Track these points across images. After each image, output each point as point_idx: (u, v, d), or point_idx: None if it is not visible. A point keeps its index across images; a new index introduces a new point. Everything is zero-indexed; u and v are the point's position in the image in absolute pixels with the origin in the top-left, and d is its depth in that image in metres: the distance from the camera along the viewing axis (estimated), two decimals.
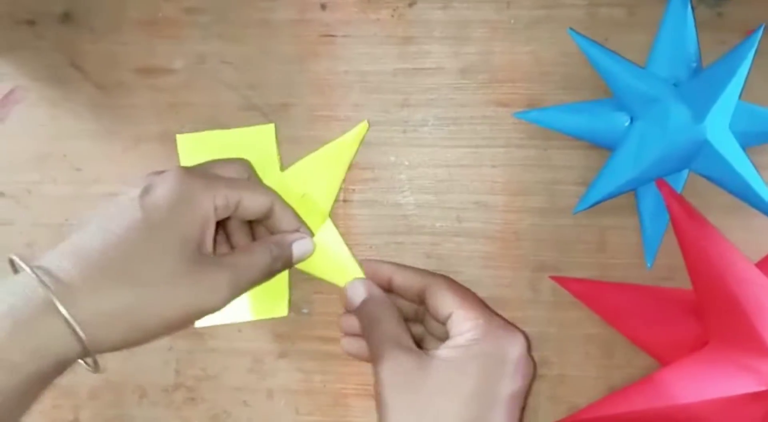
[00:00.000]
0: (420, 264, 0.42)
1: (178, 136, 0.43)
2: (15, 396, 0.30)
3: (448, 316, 0.36)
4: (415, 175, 0.43)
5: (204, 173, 0.36)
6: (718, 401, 0.35)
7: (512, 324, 0.38)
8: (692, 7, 0.39)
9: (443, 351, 0.35)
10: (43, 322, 0.30)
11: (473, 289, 0.42)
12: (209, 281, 0.34)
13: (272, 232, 0.39)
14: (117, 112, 0.45)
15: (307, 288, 0.43)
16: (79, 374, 0.43)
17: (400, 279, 0.39)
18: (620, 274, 0.41)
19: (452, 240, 0.42)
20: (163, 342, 0.43)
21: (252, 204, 0.37)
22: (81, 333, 0.30)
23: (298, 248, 0.39)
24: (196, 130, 0.43)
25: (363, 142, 0.43)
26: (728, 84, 0.37)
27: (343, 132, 0.43)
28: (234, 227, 0.40)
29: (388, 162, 0.43)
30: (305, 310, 0.43)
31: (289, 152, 0.43)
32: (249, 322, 0.43)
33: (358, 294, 0.39)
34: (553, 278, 0.41)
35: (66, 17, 0.45)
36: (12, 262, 0.32)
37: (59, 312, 0.30)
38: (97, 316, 0.31)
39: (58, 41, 0.45)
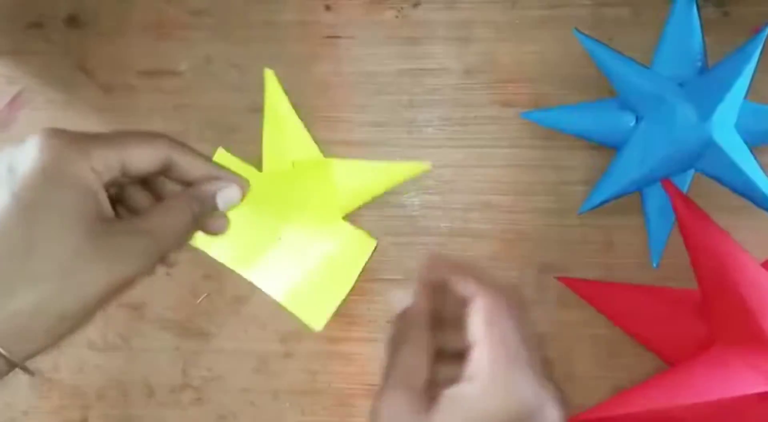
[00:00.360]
0: None
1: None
2: None
3: (469, 348, 0.30)
4: (420, 175, 0.43)
5: (71, 134, 0.30)
6: (726, 401, 0.35)
7: (559, 389, 0.32)
8: (698, 7, 0.39)
9: (444, 399, 0.30)
10: None
11: None
12: (122, 249, 0.30)
13: (181, 183, 0.34)
14: (123, 114, 0.45)
15: None
16: (87, 374, 0.44)
17: (452, 285, 0.33)
18: (626, 275, 0.41)
19: (458, 240, 0.42)
20: (170, 342, 0.44)
21: (138, 158, 0.31)
22: (3, 351, 0.27)
23: (222, 198, 0.33)
24: (202, 132, 0.44)
25: (368, 144, 0.43)
26: (734, 83, 0.36)
27: (348, 132, 0.43)
28: (129, 191, 0.34)
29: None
30: None
31: None
32: (255, 323, 0.43)
33: (399, 305, 0.34)
34: (559, 279, 0.41)
35: (72, 20, 0.45)
36: None
37: None
38: (8, 326, 0.27)
39: (65, 44, 0.45)
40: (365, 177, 0.42)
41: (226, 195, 0.34)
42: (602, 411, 0.37)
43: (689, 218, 0.37)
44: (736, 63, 0.37)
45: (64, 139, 0.30)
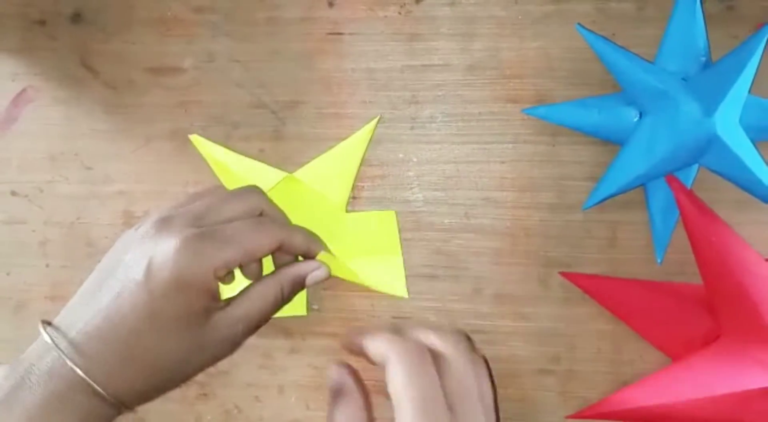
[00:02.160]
0: (429, 261, 0.42)
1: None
2: None
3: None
4: (424, 171, 0.43)
5: (206, 241, 0.34)
6: (731, 396, 0.35)
7: None
8: (702, 1, 0.39)
9: None
10: (88, 399, 0.32)
11: (482, 285, 0.42)
12: (224, 340, 0.35)
13: (282, 254, 0.38)
14: (127, 111, 0.45)
15: (317, 286, 0.43)
16: None
17: (366, 352, 0.34)
18: (630, 270, 0.41)
19: (461, 236, 0.42)
20: None
21: (255, 256, 0.36)
22: (123, 409, 0.33)
23: (311, 280, 0.38)
24: (206, 128, 0.44)
25: (372, 140, 0.43)
26: (738, 78, 0.36)
27: (352, 129, 0.43)
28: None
29: (396, 159, 0.43)
30: (315, 307, 0.43)
31: (297, 150, 0.43)
32: None
33: (331, 383, 0.35)
34: (563, 274, 0.41)
35: (77, 17, 0.46)
36: (44, 327, 0.34)
37: (99, 392, 0.32)
38: (128, 395, 0.34)
39: (69, 41, 0.46)
40: (334, 166, 0.42)
41: (315, 275, 0.38)
42: (606, 407, 0.37)
43: (693, 213, 0.37)
44: (740, 58, 0.37)
45: (203, 251, 0.34)
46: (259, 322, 0.36)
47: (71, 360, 0.32)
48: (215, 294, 0.35)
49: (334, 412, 0.33)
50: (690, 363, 0.37)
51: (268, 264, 0.38)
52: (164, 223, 0.35)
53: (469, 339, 0.34)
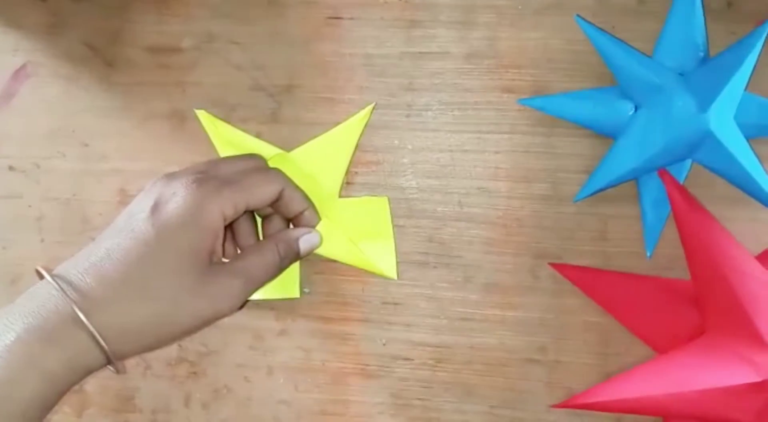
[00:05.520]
0: (421, 248, 0.43)
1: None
2: (51, 406, 0.32)
3: None
4: (418, 159, 0.43)
5: (211, 181, 0.36)
6: (713, 391, 0.35)
7: None
8: None
9: None
10: (73, 336, 0.32)
11: (473, 274, 0.42)
12: (222, 290, 0.35)
13: (280, 213, 0.40)
14: (126, 90, 0.45)
15: (308, 268, 0.43)
16: None
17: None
18: (621, 263, 0.41)
19: (454, 224, 0.43)
20: None
21: (260, 199, 0.37)
22: (105, 346, 0.32)
23: (304, 243, 0.40)
24: (204, 108, 0.44)
25: (367, 126, 0.43)
26: (734, 74, 0.36)
27: (348, 114, 0.43)
28: (240, 224, 0.40)
29: (391, 145, 0.43)
30: (306, 290, 0.43)
31: (293, 133, 0.43)
32: (252, 300, 0.43)
33: None
34: (552, 265, 0.41)
35: None
36: (39, 273, 0.34)
37: (86, 326, 0.32)
38: (118, 330, 0.33)
39: (70, 18, 0.46)
40: (328, 151, 0.42)
41: (307, 240, 0.40)
42: (590, 397, 0.38)
43: (684, 208, 0.37)
44: (738, 54, 0.37)
45: (209, 189, 0.35)
46: (255, 280, 0.37)
47: (62, 292, 0.31)
48: (220, 238, 0.35)
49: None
50: (674, 357, 0.37)
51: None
52: (170, 175, 0.37)
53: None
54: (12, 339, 0.31)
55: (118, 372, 0.34)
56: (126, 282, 0.33)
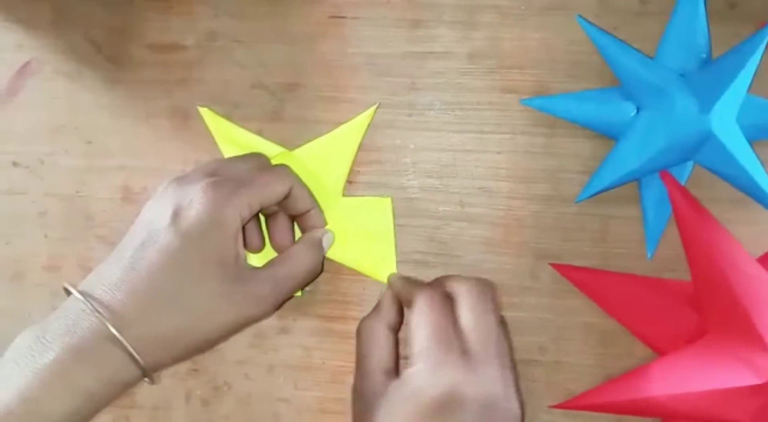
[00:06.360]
0: (422, 248, 0.43)
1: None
2: (87, 420, 0.33)
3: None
4: (420, 158, 0.43)
5: (226, 184, 0.36)
6: (713, 393, 0.35)
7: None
8: None
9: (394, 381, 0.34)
10: (109, 353, 0.32)
11: (473, 273, 0.42)
12: (252, 297, 0.35)
13: (287, 211, 0.40)
14: (129, 87, 0.45)
15: None
16: None
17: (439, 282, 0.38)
18: (621, 264, 0.41)
19: (455, 224, 0.43)
20: None
21: (273, 197, 0.37)
22: (141, 361, 0.32)
23: (326, 243, 0.40)
24: (207, 107, 0.44)
25: (369, 125, 0.43)
26: (737, 76, 0.36)
27: (350, 113, 0.43)
28: (277, 223, 0.40)
29: (393, 145, 0.43)
30: (308, 289, 0.43)
31: (295, 132, 0.43)
32: None
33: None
34: (553, 265, 0.41)
35: None
36: (66, 290, 0.34)
37: (121, 343, 0.32)
38: (152, 343, 0.33)
39: (74, 15, 0.46)
40: (331, 150, 0.43)
41: (328, 239, 0.40)
42: (590, 398, 0.38)
43: (686, 210, 0.37)
44: (740, 56, 0.37)
45: (224, 193, 0.35)
46: (288, 289, 0.37)
47: (96, 311, 0.32)
48: (240, 240, 0.35)
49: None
50: (675, 359, 0.37)
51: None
52: (181, 179, 0.37)
53: (493, 290, 0.37)
54: (51, 358, 0.31)
55: (153, 382, 0.34)
56: (156, 296, 0.33)
